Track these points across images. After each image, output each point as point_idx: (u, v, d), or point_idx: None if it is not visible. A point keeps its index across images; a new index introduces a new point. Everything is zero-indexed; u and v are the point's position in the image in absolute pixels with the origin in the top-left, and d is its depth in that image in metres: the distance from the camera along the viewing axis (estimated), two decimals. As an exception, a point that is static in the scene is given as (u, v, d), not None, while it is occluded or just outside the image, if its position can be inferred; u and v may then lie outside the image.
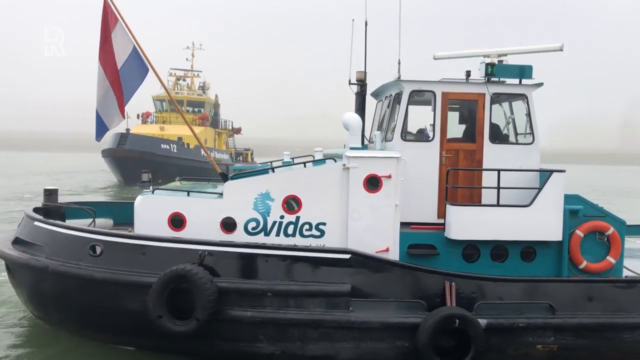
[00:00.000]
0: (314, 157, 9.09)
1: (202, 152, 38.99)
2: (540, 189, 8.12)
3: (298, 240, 7.96)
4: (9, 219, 20.69)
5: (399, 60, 8.95)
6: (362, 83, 9.55)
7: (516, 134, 9.11)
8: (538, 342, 7.55)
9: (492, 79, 8.68)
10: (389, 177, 7.92)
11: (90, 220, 9.07)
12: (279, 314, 7.39)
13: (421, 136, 9.06)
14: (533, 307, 7.65)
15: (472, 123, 8.77)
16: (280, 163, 9.30)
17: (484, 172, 8.58)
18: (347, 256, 7.60)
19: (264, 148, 59.01)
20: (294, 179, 8.12)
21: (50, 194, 9.40)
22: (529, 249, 8.20)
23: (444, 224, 8.22)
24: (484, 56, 8.89)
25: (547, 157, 8.88)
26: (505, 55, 9.00)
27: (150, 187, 8.69)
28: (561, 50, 8.70)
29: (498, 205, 8.11)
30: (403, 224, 8.15)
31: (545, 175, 8.29)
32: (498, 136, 8.91)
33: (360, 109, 9.57)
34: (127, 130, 36.11)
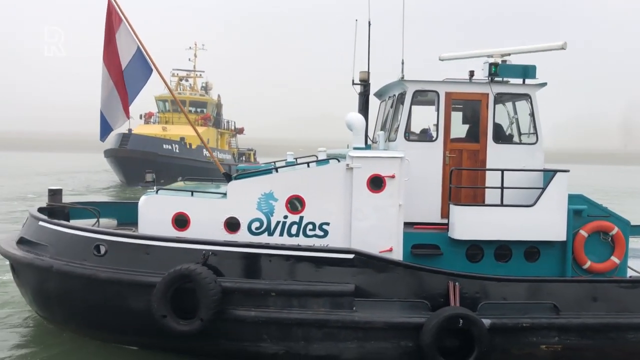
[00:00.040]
0: (317, 157, 9.10)
1: (205, 152, 39.08)
2: (544, 189, 8.11)
3: (301, 240, 7.97)
4: (12, 219, 20.76)
5: (402, 60, 8.96)
6: (365, 83, 9.55)
7: (520, 134, 9.10)
8: (542, 342, 7.54)
9: (496, 78, 8.68)
10: (393, 177, 7.93)
11: (95, 220, 9.09)
12: (282, 313, 7.39)
13: (424, 136, 9.07)
14: (537, 307, 7.65)
15: (476, 123, 8.77)
16: (283, 163, 9.32)
17: (487, 172, 8.58)
18: (351, 256, 7.61)
19: (267, 148, 59.08)
20: (297, 179, 8.13)
21: (55, 194, 9.43)
22: (532, 249, 8.19)
23: (447, 224, 8.22)
24: (487, 56, 8.90)
25: (549, 157, 8.87)
26: (509, 55, 9.00)
27: (154, 187, 8.71)
28: (563, 48, 8.69)
29: (502, 205, 8.11)
30: (406, 224, 8.15)
31: (549, 175, 8.28)
32: (502, 136, 8.91)
33: (364, 109, 9.58)
34: (130, 130, 36.14)
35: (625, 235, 8.28)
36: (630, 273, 8.53)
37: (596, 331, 7.62)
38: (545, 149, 8.86)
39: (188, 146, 38.95)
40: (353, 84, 9.58)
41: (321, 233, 8.03)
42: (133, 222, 8.84)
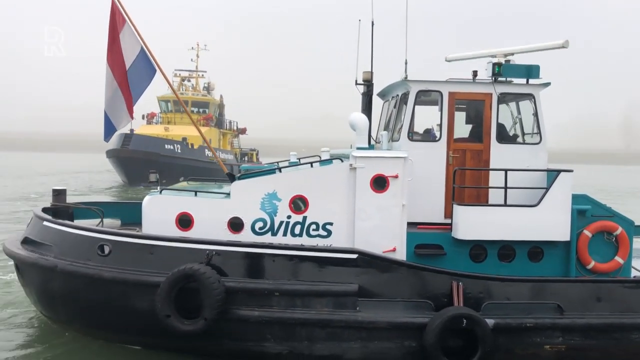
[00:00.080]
0: (320, 157, 9.11)
1: (207, 152, 39.12)
2: (547, 189, 8.10)
3: (305, 240, 7.98)
4: (14, 219, 20.83)
5: (406, 60, 8.97)
6: (368, 83, 9.55)
7: (523, 134, 9.09)
8: (546, 343, 7.53)
9: (499, 78, 8.68)
10: (396, 177, 7.93)
11: (98, 220, 9.12)
12: (286, 313, 7.40)
13: (428, 136, 9.07)
14: (541, 307, 7.64)
15: (479, 123, 8.76)
16: (286, 163, 9.32)
17: (491, 172, 8.57)
18: (354, 256, 7.61)
19: (268, 148, 59.12)
20: (300, 179, 8.13)
21: (59, 194, 9.47)
22: (536, 249, 8.18)
23: (451, 224, 8.22)
24: (491, 56, 8.89)
25: (552, 157, 8.86)
26: (512, 54, 9.00)
27: (158, 187, 8.73)
28: (565, 47, 8.65)
29: (505, 205, 8.10)
30: (410, 224, 8.15)
31: (552, 175, 8.27)
32: (505, 136, 8.90)
33: (367, 109, 9.58)
34: (132, 130, 36.22)
35: (630, 235, 8.27)
36: (634, 273, 8.52)
37: (600, 331, 7.61)
38: (549, 149, 8.85)
39: (190, 146, 39.02)
40: (356, 84, 9.58)
41: (324, 233, 8.03)
42: (137, 222, 8.86)
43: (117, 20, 8.39)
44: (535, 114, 8.76)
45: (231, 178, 8.55)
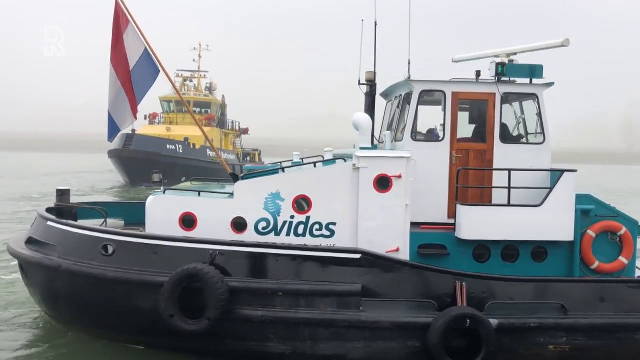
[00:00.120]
0: (323, 157, 9.11)
1: (209, 152, 39.18)
2: (551, 189, 8.10)
3: (308, 240, 7.98)
4: (17, 219, 20.87)
5: (409, 60, 8.97)
6: (371, 83, 9.55)
7: (527, 134, 9.08)
8: (550, 343, 7.52)
9: (503, 78, 8.67)
10: (399, 177, 7.93)
11: (102, 220, 9.13)
12: (289, 313, 7.40)
13: (431, 136, 9.07)
14: (545, 308, 7.63)
15: (483, 123, 8.76)
16: (289, 163, 9.33)
17: (494, 172, 8.57)
18: (358, 256, 7.61)
19: (269, 148, 59.16)
20: (304, 179, 8.14)
21: (63, 194, 9.49)
22: (540, 249, 8.17)
23: (454, 224, 8.21)
24: (495, 56, 8.88)
25: (552, 157, 8.85)
26: (515, 54, 8.99)
27: (162, 188, 8.75)
28: (565, 45, 8.60)
29: (509, 205, 8.10)
30: (413, 224, 8.15)
31: (556, 175, 8.26)
32: (508, 136, 8.90)
33: (370, 109, 9.58)
34: (133, 131, 36.28)
35: (634, 235, 8.26)
36: (638, 273, 8.51)
37: (604, 331, 7.60)
38: (553, 148, 8.84)
39: (191, 146, 39.07)
40: (359, 84, 9.58)
41: (328, 233, 8.03)
42: (140, 222, 8.87)
43: (121, 21, 8.41)
44: (539, 114, 8.75)
45: (234, 178, 8.56)
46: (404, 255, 7.94)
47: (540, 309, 7.62)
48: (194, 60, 45.39)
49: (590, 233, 8.16)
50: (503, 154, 8.61)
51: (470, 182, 8.59)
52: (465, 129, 8.92)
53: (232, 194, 8.21)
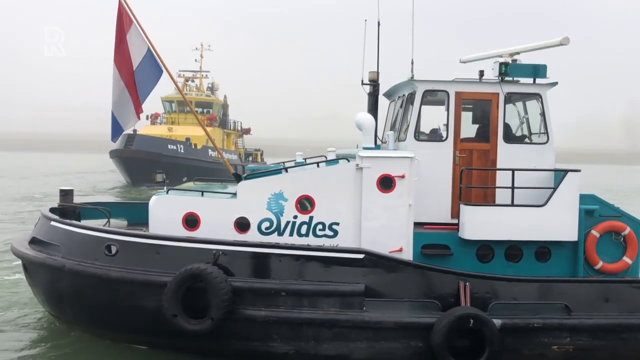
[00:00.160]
0: (326, 157, 9.11)
1: (210, 152, 39.20)
2: (555, 189, 8.09)
3: (311, 240, 7.98)
4: (19, 219, 20.90)
5: (412, 60, 8.96)
6: (374, 83, 9.55)
7: (530, 134, 9.07)
8: (554, 343, 7.51)
9: (506, 78, 8.66)
10: (403, 177, 7.92)
11: (105, 220, 9.14)
12: (293, 313, 7.40)
13: (434, 136, 9.06)
14: (548, 308, 7.62)
15: (486, 123, 8.75)
16: (292, 163, 9.33)
17: (498, 172, 8.56)
18: (361, 256, 7.61)
19: (270, 148, 59.17)
20: (307, 179, 8.13)
21: (66, 194, 9.51)
22: (543, 249, 8.16)
23: (457, 224, 8.21)
24: (498, 56, 8.87)
25: (555, 157, 8.83)
26: (518, 54, 8.97)
27: (165, 188, 8.75)
28: (564, 44, 8.56)
29: (512, 205, 8.09)
30: (416, 224, 8.14)
31: (560, 175, 8.25)
32: (512, 136, 8.89)
33: (373, 109, 9.57)
34: (135, 131, 36.32)
35: (638, 235, 8.24)
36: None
37: (608, 332, 7.59)
38: (556, 148, 8.82)
39: (193, 146, 39.09)
40: (362, 84, 9.58)
41: (331, 233, 8.03)
42: (143, 222, 8.88)
43: (124, 21, 8.41)
44: (542, 114, 8.74)
45: (237, 178, 8.56)
46: (407, 255, 7.93)
47: (544, 309, 7.61)
48: (195, 60, 45.47)
49: (594, 233, 8.14)
50: (506, 154, 8.60)
51: (474, 182, 8.58)
52: (469, 129, 8.92)
53: (235, 194, 8.21)
